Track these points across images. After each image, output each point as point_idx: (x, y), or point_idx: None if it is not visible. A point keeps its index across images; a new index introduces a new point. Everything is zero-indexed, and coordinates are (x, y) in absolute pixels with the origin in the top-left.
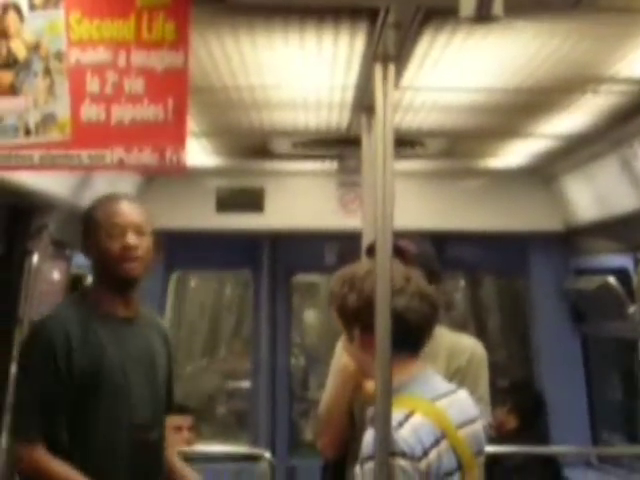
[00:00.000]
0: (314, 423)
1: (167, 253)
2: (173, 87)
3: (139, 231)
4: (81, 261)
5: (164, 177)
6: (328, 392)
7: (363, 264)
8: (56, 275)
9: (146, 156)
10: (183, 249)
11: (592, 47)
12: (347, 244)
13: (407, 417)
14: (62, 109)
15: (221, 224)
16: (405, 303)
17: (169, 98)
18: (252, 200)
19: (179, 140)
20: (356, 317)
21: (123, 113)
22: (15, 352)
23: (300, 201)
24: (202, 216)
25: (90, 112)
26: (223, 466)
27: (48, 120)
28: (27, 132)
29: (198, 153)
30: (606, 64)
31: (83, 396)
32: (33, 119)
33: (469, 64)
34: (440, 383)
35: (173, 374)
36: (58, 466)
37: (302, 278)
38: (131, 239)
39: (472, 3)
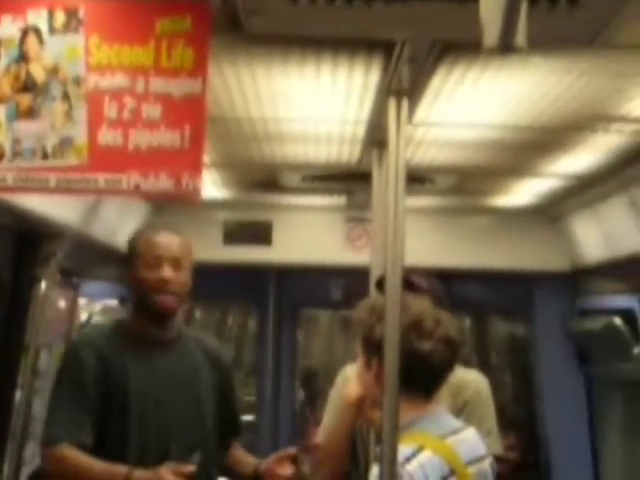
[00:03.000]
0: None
1: None
2: (190, 114)
3: (177, 264)
4: (88, 290)
5: (172, 207)
6: (327, 422)
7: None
8: (63, 303)
9: (162, 182)
10: None
11: (605, 85)
12: (353, 280)
13: (415, 453)
14: (80, 133)
15: (228, 256)
16: (430, 347)
17: (186, 125)
18: (260, 233)
19: (195, 167)
20: (378, 348)
21: (140, 139)
22: (21, 379)
23: (308, 235)
24: (209, 248)
25: (107, 137)
26: None
27: (65, 144)
28: (44, 155)
29: (207, 184)
30: (619, 103)
31: (112, 419)
32: (51, 142)
33: (482, 100)
34: (450, 421)
35: (233, 396)
36: (83, 457)
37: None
38: (167, 272)
39: (496, 33)
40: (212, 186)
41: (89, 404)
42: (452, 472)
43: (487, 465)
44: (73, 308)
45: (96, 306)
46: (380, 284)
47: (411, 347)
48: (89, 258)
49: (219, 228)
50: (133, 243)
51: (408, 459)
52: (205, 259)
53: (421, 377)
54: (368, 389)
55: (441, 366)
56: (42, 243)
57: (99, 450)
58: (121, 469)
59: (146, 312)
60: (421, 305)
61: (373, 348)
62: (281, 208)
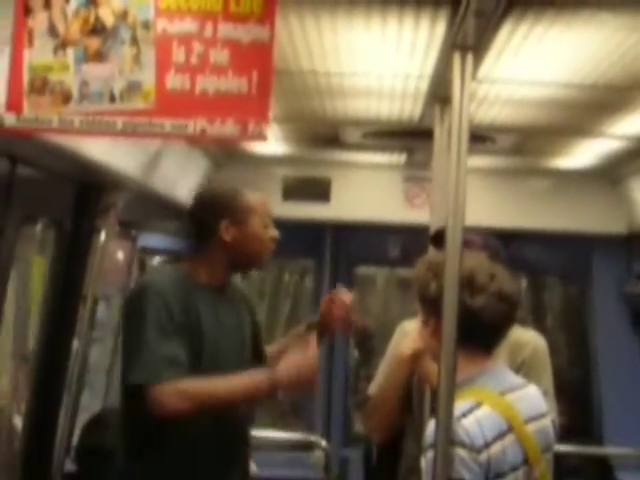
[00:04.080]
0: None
1: None
2: (258, 60)
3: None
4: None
5: (232, 162)
6: (381, 375)
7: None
8: (121, 254)
9: (228, 128)
10: None
11: None
12: (411, 238)
13: (472, 408)
14: (147, 78)
15: (286, 212)
16: (483, 302)
17: (254, 71)
18: (319, 190)
19: (262, 114)
20: (435, 305)
21: (207, 84)
22: (79, 328)
23: (366, 193)
24: None
25: (175, 82)
26: (276, 454)
27: (133, 88)
28: (112, 99)
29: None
30: None
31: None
32: (118, 86)
33: (547, 56)
34: (511, 377)
35: (261, 342)
36: (203, 380)
37: (359, 270)
38: (277, 233)
39: None
40: (273, 141)
41: (180, 341)
42: (510, 429)
43: (548, 423)
44: (131, 260)
45: (154, 259)
46: (436, 239)
47: (464, 303)
48: (148, 211)
49: (278, 184)
50: (239, 197)
51: (464, 414)
52: None
53: (478, 332)
54: (426, 345)
55: (497, 321)
56: (102, 194)
57: None
58: (260, 374)
59: (232, 263)
60: (475, 260)
61: (429, 305)
62: (340, 165)
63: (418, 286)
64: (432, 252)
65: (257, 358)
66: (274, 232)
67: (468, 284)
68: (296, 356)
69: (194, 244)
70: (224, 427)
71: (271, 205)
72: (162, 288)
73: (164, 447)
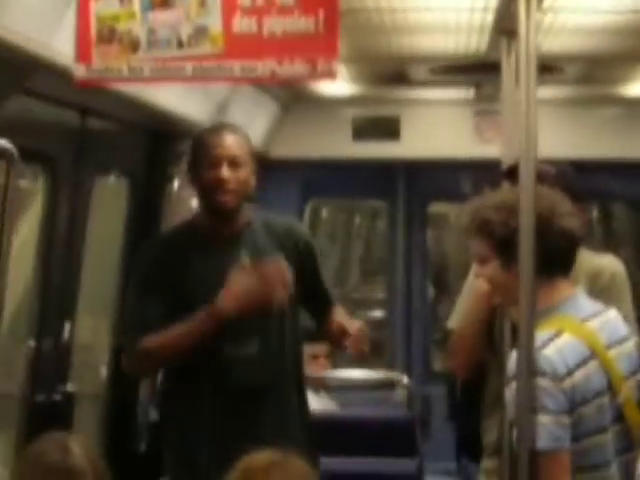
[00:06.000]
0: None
1: (304, 182)
2: None
3: (235, 163)
4: None
5: (301, 105)
6: (460, 310)
7: (506, 191)
8: (195, 202)
9: (298, 67)
10: (320, 178)
11: None
12: (483, 173)
13: (553, 337)
14: (214, 21)
15: (357, 153)
16: (573, 224)
17: (320, 9)
18: (388, 128)
19: (331, 51)
20: (506, 241)
21: (274, 25)
22: None
23: (436, 130)
24: (338, 145)
25: (242, 24)
26: (359, 393)
27: (200, 32)
28: (180, 44)
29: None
30: None
31: (178, 311)
32: (185, 32)
33: None
34: (590, 304)
35: (316, 271)
36: (160, 333)
37: (431, 208)
38: (225, 172)
39: None
40: (340, 81)
41: (159, 303)
42: (593, 354)
43: (631, 345)
44: None
45: None
46: (509, 174)
47: (559, 227)
48: None
49: (348, 124)
50: (194, 144)
51: (545, 344)
52: (335, 156)
53: (563, 255)
54: (509, 290)
55: (577, 241)
56: (173, 143)
57: None
58: (200, 313)
59: (209, 211)
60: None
61: (509, 245)
62: (409, 102)
63: (492, 230)
64: (506, 187)
65: (312, 287)
66: (219, 172)
67: (555, 210)
68: (237, 282)
69: None
70: (229, 369)
71: (228, 143)
72: (153, 248)
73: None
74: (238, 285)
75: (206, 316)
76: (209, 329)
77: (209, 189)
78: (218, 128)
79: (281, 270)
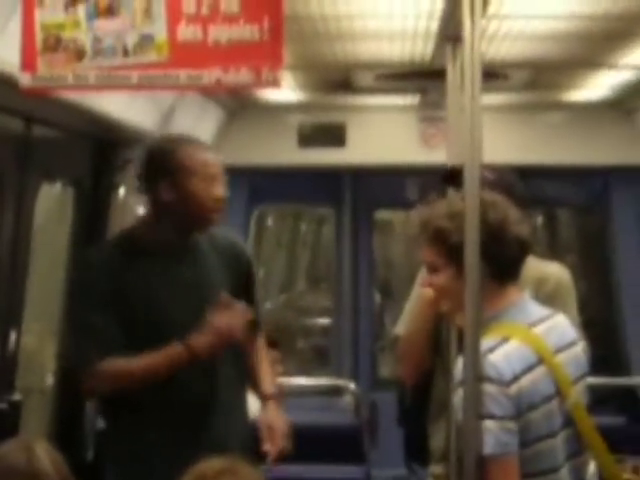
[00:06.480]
0: (393, 352)
1: (249, 189)
2: (269, 6)
3: (223, 181)
4: None
5: (246, 112)
6: (408, 317)
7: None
8: (141, 210)
9: (243, 75)
10: (266, 184)
11: None
12: (429, 179)
13: (500, 343)
14: (159, 30)
15: (303, 159)
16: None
17: (265, 18)
18: (334, 135)
19: (275, 59)
20: (455, 249)
21: (220, 33)
22: None
23: (382, 136)
24: (284, 151)
25: (187, 33)
26: (305, 400)
27: (145, 41)
28: (125, 53)
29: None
30: None
31: (129, 329)
32: (131, 40)
33: None
34: (537, 309)
35: (252, 291)
36: (124, 360)
37: (377, 215)
38: (222, 191)
39: None
40: (286, 89)
41: (109, 319)
42: (540, 361)
43: (579, 349)
44: None
45: None
46: (448, 178)
47: (513, 235)
48: None
49: (293, 131)
50: (177, 156)
51: (492, 349)
52: (280, 163)
53: (515, 262)
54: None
55: (528, 248)
56: (119, 150)
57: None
58: (175, 346)
59: (183, 224)
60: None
61: (449, 250)
62: (355, 109)
63: (445, 239)
64: (451, 194)
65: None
66: (219, 191)
67: (507, 218)
68: (218, 321)
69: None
70: (178, 389)
71: (218, 161)
72: (95, 261)
73: (127, 411)
74: (220, 324)
75: (186, 354)
76: (184, 364)
77: (202, 205)
78: (201, 144)
79: (244, 308)
